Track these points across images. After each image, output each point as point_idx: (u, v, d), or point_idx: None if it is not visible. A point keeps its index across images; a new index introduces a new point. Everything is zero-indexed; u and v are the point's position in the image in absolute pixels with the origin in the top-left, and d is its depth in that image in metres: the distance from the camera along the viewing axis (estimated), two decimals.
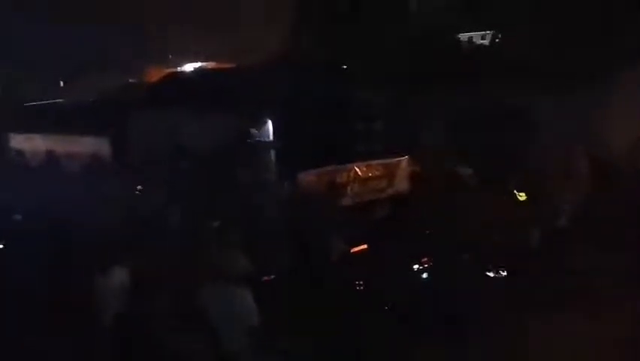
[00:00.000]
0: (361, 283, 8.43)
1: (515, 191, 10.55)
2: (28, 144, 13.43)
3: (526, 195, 10.58)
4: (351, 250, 8.91)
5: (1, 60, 15.90)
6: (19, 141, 13.63)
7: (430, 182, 11.00)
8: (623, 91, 12.93)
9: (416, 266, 8.90)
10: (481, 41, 17.33)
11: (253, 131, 10.86)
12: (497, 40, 17.01)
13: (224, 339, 5.79)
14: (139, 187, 10.78)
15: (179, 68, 15.84)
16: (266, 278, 8.07)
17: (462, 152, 11.78)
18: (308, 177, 10.19)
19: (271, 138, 10.78)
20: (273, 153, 10.63)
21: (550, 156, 11.81)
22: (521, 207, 10.50)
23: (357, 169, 10.83)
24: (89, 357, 6.49)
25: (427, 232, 9.57)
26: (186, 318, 6.13)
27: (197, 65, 15.99)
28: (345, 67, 12.10)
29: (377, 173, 11.06)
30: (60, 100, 15.86)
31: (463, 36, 17.14)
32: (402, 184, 11.17)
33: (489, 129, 12.58)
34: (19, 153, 13.18)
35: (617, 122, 12.75)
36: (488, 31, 17.15)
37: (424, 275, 8.87)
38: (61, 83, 17.34)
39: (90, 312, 6.63)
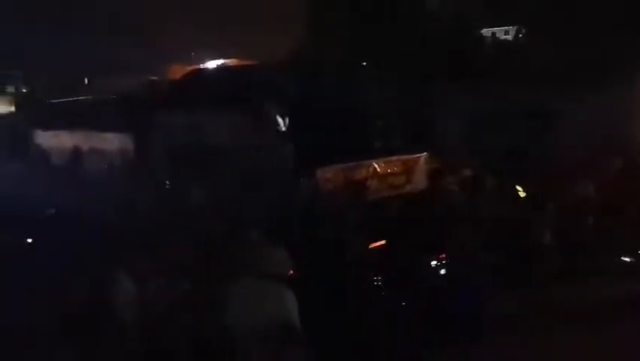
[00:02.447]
0: (379, 278, 8.48)
1: (517, 187, 10.51)
2: (54, 140, 13.63)
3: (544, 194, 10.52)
4: (370, 246, 8.95)
5: (28, 59, 16.15)
6: (45, 138, 13.83)
7: (449, 178, 11.01)
8: None
9: (434, 262, 8.92)
10: (504, 37, 17.27)
11: (273, 127, 10.96)
12: (520, 37, 16.94)
13: (253, 337, 5.80)
14: (167, 182, 10.88)
15: (201, 65, 15.98)
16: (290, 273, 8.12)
17: (481, 149, 11.77)
18: (326, 174, 10.25)
19: (290, 134, 10.86)
20: (291, 149, 10.70)
21: (575, 155, 11.76)
22: (539, 206, 10.44)
23: (376, 165, 10.86)
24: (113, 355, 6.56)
25: (446, 228, 9.57)
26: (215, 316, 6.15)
27: (220, 62, 16.13)
28: (364, 63, 12.16)
29: (396, 169, 11.08)
30: (84, 97, 16.08)
31: (486, 32, 17.08)
32: (420, 181, 11.19)
33: (509, 127, 12.56)
34: (45, 149, 13.37)
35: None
36: (510, 27, 17.09)
37: (442, 271, 8.89)
38: (86, 81, 17.57)
39: (115, 310, 6.71)
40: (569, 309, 8.39)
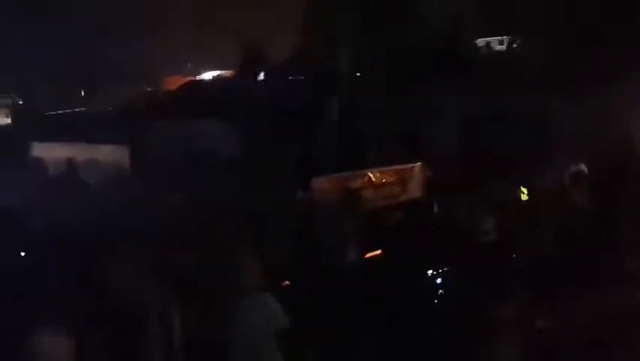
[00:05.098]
0: (375, 288, 8.48)
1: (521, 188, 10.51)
2: (49, 152, 13.62)
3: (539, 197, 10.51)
4: (365, 256, 8.96)
5: (22, 70, 16.17)
6: (40, 149, 13.82)
7: (443, 187, 11.02)
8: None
9: (430, 272, 8.92)
10: (499, 47, 17.33)
11: (267, 137, 11.00)
12: (515, 45, 17.00)
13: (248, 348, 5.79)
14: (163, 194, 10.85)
15: (197, 77, 16.03)
16: (287, 283, 8.15)
17: (476, 157, 11.80)
18: (321, 183, 10.28)
19: (285, 144, 10.90)
20: (287, 159, 10.74)
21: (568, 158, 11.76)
22: (537, 211, 10.42)
23: (371, 175, 10.90)
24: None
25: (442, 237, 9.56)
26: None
27: (215, 73, 16.17)
28: (358, 74, 12.22)
29: (390, 179, 11.12)
30: (80, 109, 16.12)
31: (480, 41, 17.14)
32: (415, 190, 11.22)
33: (508, 135, 12.57)
34: (40, 160, 13.34)
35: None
36: (505, 37, 17.14)
37: (438, 281, 8.88)
38: (82, 93, 17.61)
39: (108, 322, 6.70)
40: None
